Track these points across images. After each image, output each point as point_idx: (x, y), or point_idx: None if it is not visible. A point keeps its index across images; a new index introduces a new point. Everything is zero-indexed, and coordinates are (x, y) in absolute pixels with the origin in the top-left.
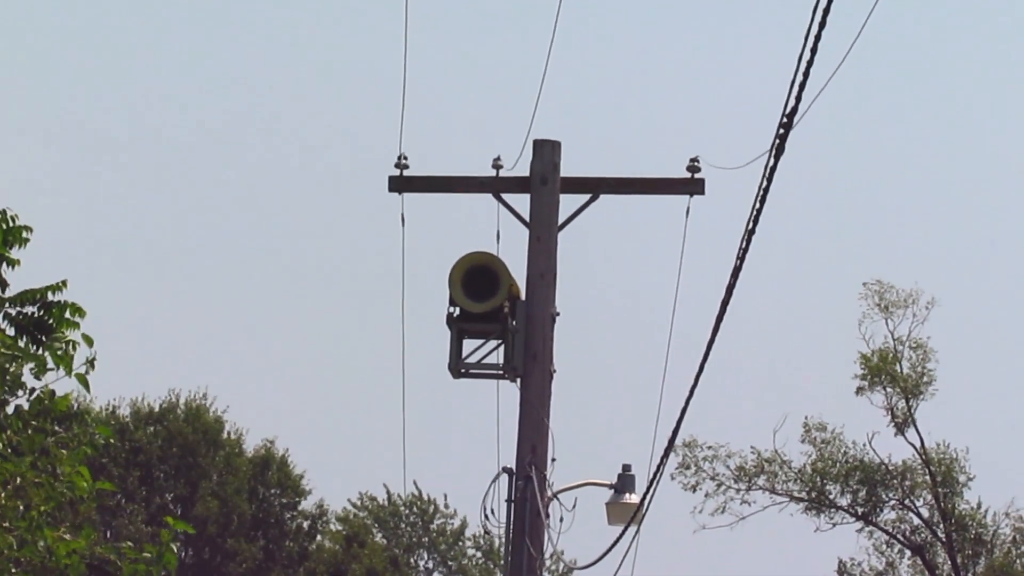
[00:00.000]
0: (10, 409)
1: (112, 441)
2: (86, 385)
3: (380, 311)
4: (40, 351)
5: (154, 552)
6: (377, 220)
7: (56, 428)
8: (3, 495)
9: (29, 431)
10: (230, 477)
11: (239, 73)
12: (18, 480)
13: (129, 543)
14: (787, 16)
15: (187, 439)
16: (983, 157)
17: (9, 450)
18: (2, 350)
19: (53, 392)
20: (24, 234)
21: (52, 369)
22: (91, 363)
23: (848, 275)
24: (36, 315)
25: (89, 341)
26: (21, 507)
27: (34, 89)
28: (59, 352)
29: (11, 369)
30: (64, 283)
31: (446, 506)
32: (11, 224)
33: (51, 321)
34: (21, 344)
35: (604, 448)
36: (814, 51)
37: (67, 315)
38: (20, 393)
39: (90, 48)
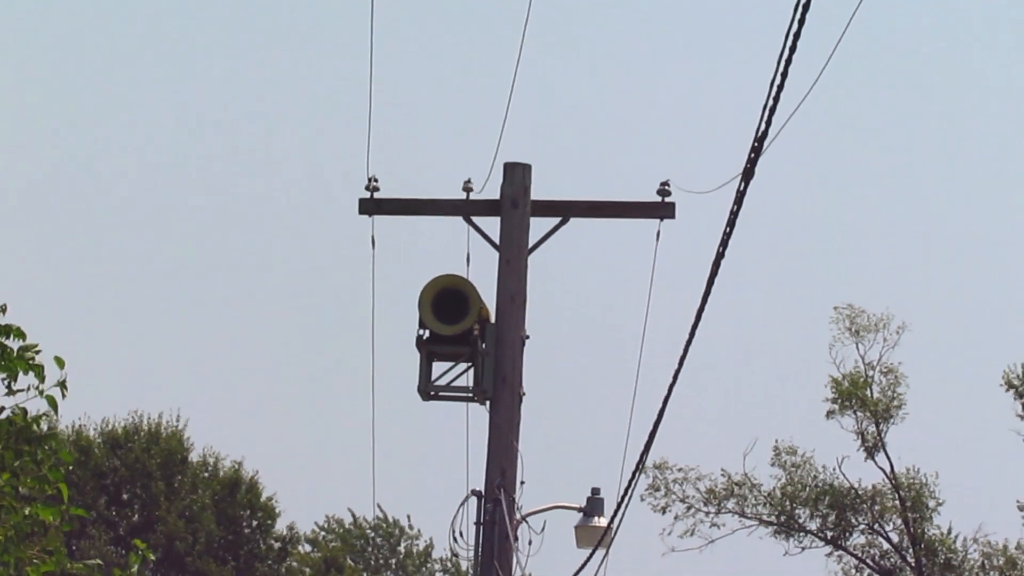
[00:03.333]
0: None
1: (72, 468)
2: (55, 407)
3: (349, 333)
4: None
5: (121, 574)
6: (347, 242)
7: (27, 447)
8: None
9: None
10: (196, 497)
11: (207, 95)
12: None
13: (99, 561)
14: (759, 40)
15: (153, 461)
16: (955, 182)
17: None
18: None
19: (26, 411)
20: None
21: (21, 390)
22: (63, 385)
23: (819, 299)
24: None
25: (60, 363)
26: None
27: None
28: (30, 361)
29: None
30: (4, 308)
31: (410, 526)
32: None
33: None
34: None
35: (574, 471)
36: (784, 75)
37: (7, 340)
38: None
39: (61, 68)
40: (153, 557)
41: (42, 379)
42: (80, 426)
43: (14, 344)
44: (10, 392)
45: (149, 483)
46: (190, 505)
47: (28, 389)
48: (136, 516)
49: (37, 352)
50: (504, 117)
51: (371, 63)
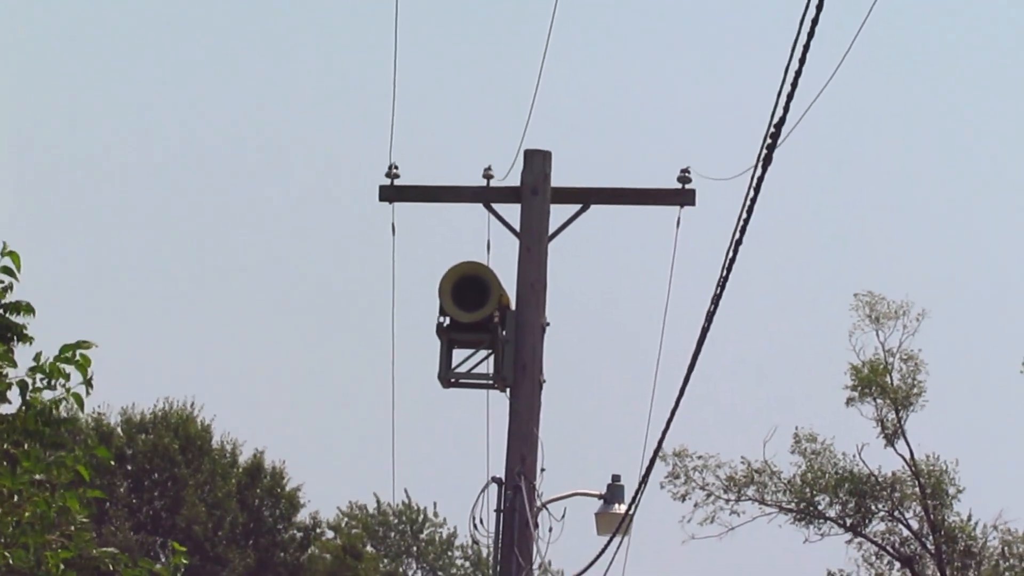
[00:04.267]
0: None
1: (112, 463)
2: (81, 404)
3: (370, 321)
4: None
5: (149, 565)
6: (368, 230)
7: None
8: (1, 510)
9: (26, 445)
10: (219, 482)
11: (229, 83)
12: (15, 498)
13: (114, 550)
14: (779, 27)
15: (175, 448)
16: (975, 168)
17: (4, 463)
18: None
19: (52, 404)
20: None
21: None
22: (89, 382)
23: (839, 286)
24: None
25: (87, 360)
26: (13, 522)
27: (18, 100)
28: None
29: (6, 377)
30: (11, 285)
31: (435, 514)
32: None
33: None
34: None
35: (594, 458)
36: (802, 61)
37: (16, 316)
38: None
39: (75, 60)
40: (187, 562)
41: (89, 383)
42: (100, 413)
43: (23, 320)
44: (49, 387)
45: (171, 470)
46: (213, 492)
47: (53, 385)
48: (158, 503)
49: (88, 348)
50: (529, 105)
51: (395, 51)
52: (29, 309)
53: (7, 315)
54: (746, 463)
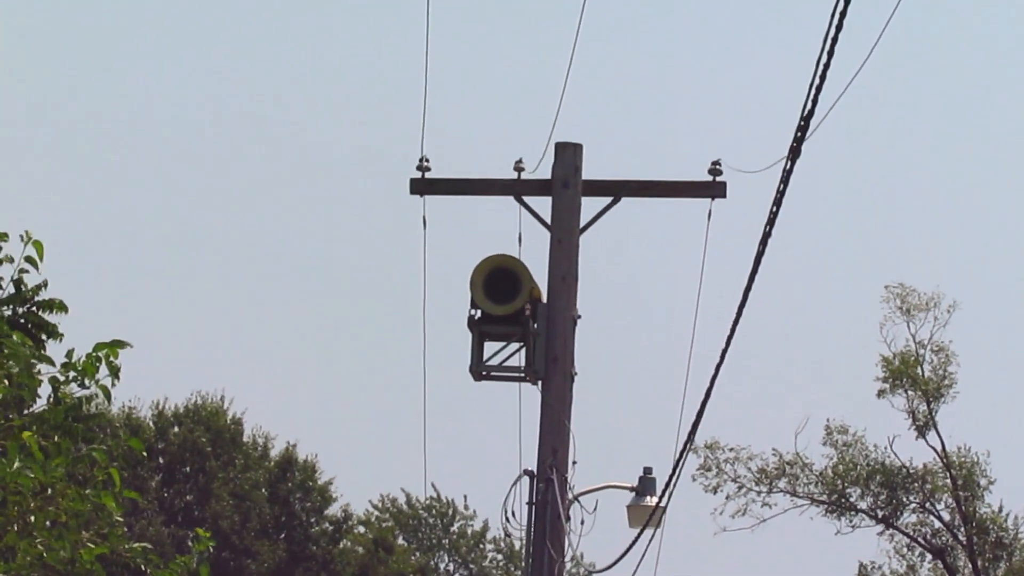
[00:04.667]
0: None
1: (144, 455)
2: (108, 396)
3: (401, 314)
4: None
5: (186, 561)
6: (398, 223)
7: (89, 430)
8: (33, 504)
9: (56, 437)
10: (249, 475)
11: (262, 74)
12: (48, 491)
13: (147, 545)
14: (809, 19)
15: (204, 441)
16: (1007, 159)
17: (42, 456)
18: (24, 352)
19: (81, 400)
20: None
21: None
22: (116, 373)
23: (870, 278)
24: (28, 314)
25: (115, 352)
26: (50, 517)
27: (43, 85)
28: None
29: (38, 373)
30: (45, 283)
31: (466, 507)
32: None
33: (41, 320)
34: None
35: (626, 451)
36: (831, 54)
37: (49, 314)
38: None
39: (102, 42)
40: (213, 544)
41: (116, 376)
42: (131, 407)
43: (57, 319)
44: (82, 386)
45: (202, 463)
46: (242, 485)
47: (85, 384)
48: (189, 496)
49: (123, 348)
50: (560, 98)
51: (426, 43)
52: (62, 307)
53: (40, 312)
54: (778, 455)
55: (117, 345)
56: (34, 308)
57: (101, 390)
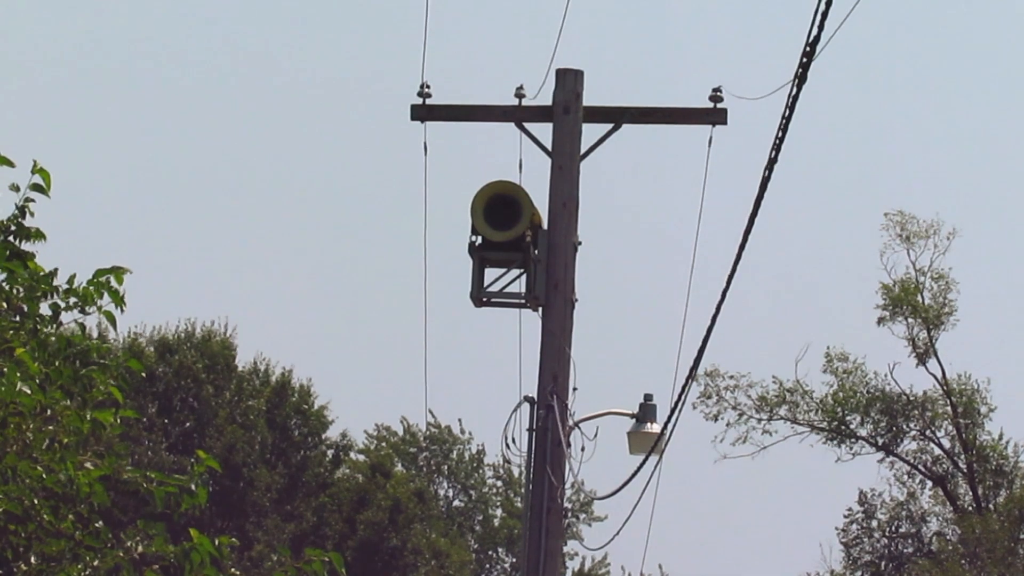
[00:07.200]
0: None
1: (143, 375)
2: (113, 323)
3: (402, 240)
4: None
5: (185, 482)
6: (399, 149)
7: (87, 355)
8: (32, 425)
9: (57, 363)
10: (253, 404)
11: (260, 2)
12: (48, 412)
13: (148, 471)
14: None
15: (199, 367)
16: (1007, 88)
17: (46, 378)
18: (24, 276)
19: (84, 327)
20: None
21: (75, 304)
22: (121, 300)
23: (870, 206)
24: (3, 243)
25: (120, 278)
26: (49, 438)
27: (50, 23)
28: (107, 285)
29: (41, 298)
30: (23, 211)
31: (462, 431)
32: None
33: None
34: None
35: (626, 378)
36: None
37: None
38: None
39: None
40: (219, 467)
41: (121, 305)
42: (136, 334)
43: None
44: (82, 312)
45: (199, 390)
46: (244, 412)
47: (85, 307)
48: (188, 423)
49: (123, 274)
50: (560, 24)
51: None
52: (39, 235)
53: (15, 241)
54: (778, 383)
55: (117, 271)
56: (9, 238)
57: (106, 316)
